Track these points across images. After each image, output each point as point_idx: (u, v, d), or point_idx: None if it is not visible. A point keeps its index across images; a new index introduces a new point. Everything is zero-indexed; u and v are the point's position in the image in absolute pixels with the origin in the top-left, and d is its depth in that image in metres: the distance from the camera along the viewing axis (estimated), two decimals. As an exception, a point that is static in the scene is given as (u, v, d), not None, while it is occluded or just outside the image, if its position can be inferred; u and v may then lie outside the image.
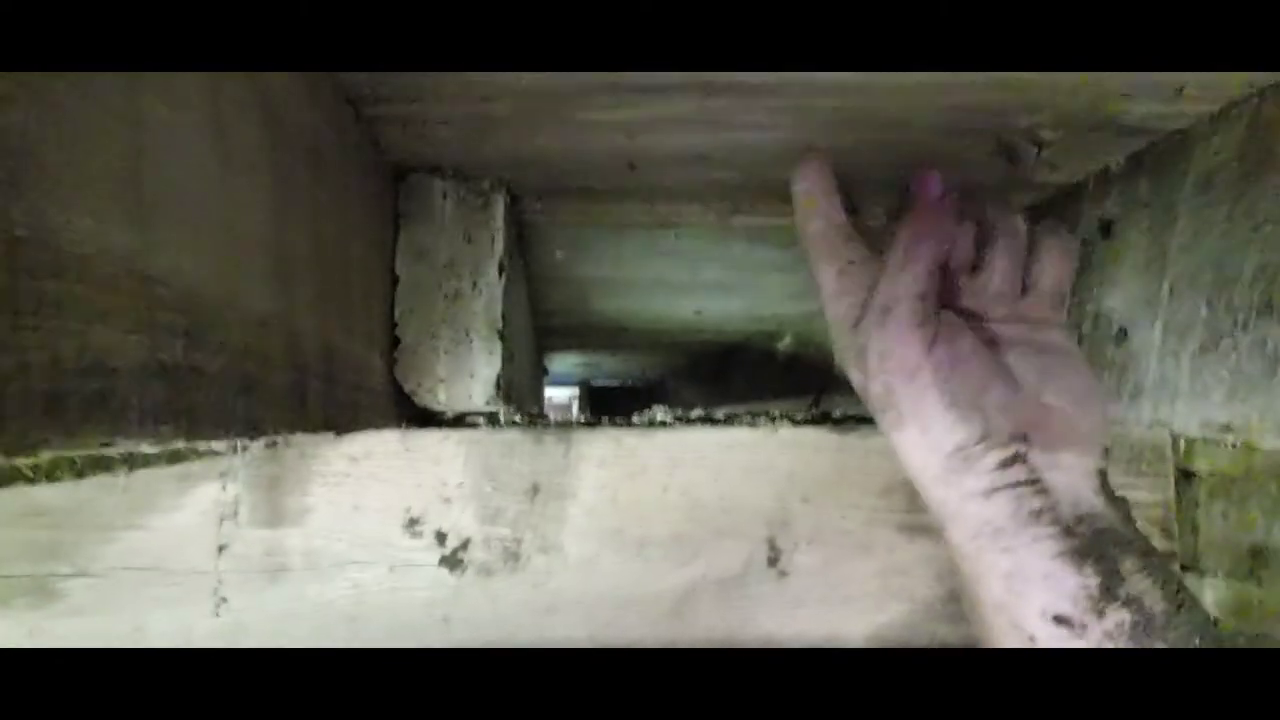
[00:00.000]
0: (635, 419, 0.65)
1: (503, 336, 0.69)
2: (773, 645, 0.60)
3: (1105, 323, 0.62)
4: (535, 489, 0.60)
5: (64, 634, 0.56)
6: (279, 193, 0.41)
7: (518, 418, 0.67)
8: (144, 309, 0.27)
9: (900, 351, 0.42)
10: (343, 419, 0.51)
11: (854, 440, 0.62)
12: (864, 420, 0.64)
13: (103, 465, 0.42)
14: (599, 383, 3.48)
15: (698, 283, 1.13)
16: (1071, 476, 0.41)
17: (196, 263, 0.31)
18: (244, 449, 0.54)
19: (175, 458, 0.53)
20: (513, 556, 0.59)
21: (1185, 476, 0.62)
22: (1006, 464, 0.40)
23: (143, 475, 0.57)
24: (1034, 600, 0.38)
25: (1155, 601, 0.37)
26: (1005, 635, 0.40)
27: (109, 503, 0.57)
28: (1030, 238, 0.46)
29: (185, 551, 0.57)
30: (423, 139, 0.61)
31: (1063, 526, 0.39)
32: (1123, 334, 0.60)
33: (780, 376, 1.69)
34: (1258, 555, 0.56)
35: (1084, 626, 0.37)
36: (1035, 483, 0.40)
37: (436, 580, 0.59)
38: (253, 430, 0.36)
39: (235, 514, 0.57)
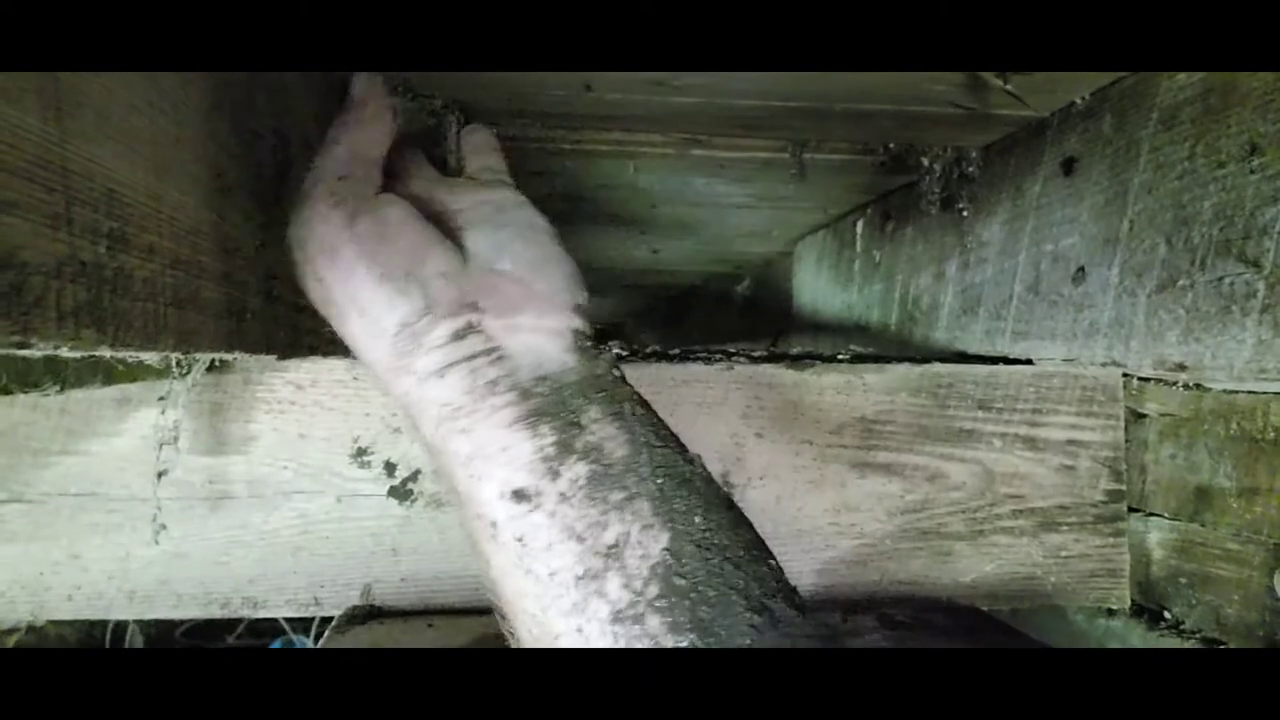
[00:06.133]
0: (590, 352, 0.64)
1: (455, 264, 0.67)
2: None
3: (1063, 262, 0.62)
4: (487, 420, 0.59)
5: (-3, 561, 0.54)
6: (213, 95, 0.38)
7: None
8: (61, 203, 0.26)
9: (320, 230, 0.40)
10: (283, 340, 0.49)
11: (809, 377, 0.61)
12: (820, 358, 0.63)
13: (30, 380, 0.40)
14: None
15: (656, 219, 1.11)
16: (534, 338, 0.38)
17: (119, 159, 0.29)
18: (184, 372, 0.52)
19: (110, 377, 0.51)
20: (463, 488, 0.58)
21: (1136, 417, 0.62)
22: (459, 335, 0.37)
23: (79, 398, 0.55)
24: (493, 480, 0.35)
25: (617, 447, 0.35)
26: (481, 536, 0.36)
27: (45, 426, 0.55)
28: (458, 136, 0.50)
29: (124, 477, 0.55)
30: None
31: (520, 391, 0.36)
32: (1080, 273, 0.60)
33: (739, 320, 1.69)
34: (1203, 496, 0.57)
35: (539, 494, 0.34)
36: (491, 351, 0.37)
37: (385, 511, 0.58)
38: (186, 345, 0.35)
39: (175, 440, 0.55)
